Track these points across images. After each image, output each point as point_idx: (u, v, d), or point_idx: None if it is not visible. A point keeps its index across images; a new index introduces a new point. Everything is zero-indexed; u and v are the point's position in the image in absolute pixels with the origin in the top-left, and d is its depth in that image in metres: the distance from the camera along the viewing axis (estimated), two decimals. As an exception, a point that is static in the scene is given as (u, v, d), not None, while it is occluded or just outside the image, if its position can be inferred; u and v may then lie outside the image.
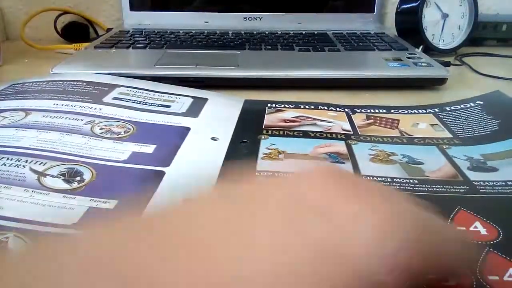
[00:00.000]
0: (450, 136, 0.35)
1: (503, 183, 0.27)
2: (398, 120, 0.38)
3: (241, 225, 0.13)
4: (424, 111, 0.41)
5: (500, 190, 0.27)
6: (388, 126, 0.37)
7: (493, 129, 0.36)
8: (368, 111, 0.40)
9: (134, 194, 0.26)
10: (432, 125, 0.38)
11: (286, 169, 0.29)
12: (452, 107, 0.41)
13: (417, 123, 0.38)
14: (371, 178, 0.28)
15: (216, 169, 0.29)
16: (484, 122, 0.37)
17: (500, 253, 0.21)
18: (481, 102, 0.41)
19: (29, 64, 0.58)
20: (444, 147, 0.33)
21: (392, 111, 0.41)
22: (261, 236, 0.12)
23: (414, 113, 0.40)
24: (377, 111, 0.40)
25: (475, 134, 0.35)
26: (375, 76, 0.48)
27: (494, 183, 0.27)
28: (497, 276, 0.19)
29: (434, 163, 0.30)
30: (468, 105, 0.41)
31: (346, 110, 0.40)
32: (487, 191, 0.27)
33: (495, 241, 0.22)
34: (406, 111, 0.41)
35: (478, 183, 0.28)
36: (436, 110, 0.41)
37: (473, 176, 0.28)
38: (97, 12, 0.75)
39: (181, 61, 0.50)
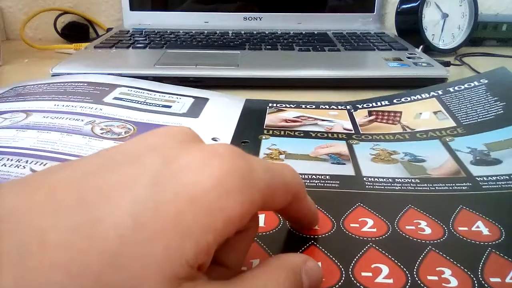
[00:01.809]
0: (454, 124, 0.35)
1: (507, 177, 0.27)
2: (401, 113, 0.38)
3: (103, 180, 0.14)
4: (427, 95, 0.40)
5: (504, 185, 0.26)
6: (390, 121, 0.37)
7: (497, 112, 0.35)
8: (370, 104, 0.40)
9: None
10: (435, 112, 0.37)
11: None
12: (456, 87, 0.40)
13: (420, 113, 0.37)
14: (372, 178, 0.28)
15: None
16: (489, 105, 0.36)
17: (502, 254, 0.21)
18: (486, 81, 0.40)
19: (29, 64, 0.58)
20: (447, 139, 0.33)
21: (394, 100, 0.40)
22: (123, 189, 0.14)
23: (417, 98, 0.40)
24: (379, 103, 0.40)
25: (479, 120, 0.35)
26: (375, 76, 0.48)
27: (498, 177, 0.27)
28: (498, 278, 0.19)
29: (436, 159, 0.30)
30: (472, 84, 0.40)
31: (348, 107, 0.40)
32: (490, 187, 0.26)
33: (497, 241, 0.22)
34: (409, 98, 0.40)
35: (481, 179, 0.27)
36: (440, 92, 0.40)
37: (476, 171, 0.28)
38: (97, 12, 0.75)
39: (181, 61, 0.50)
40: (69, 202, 0.13)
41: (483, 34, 0.69)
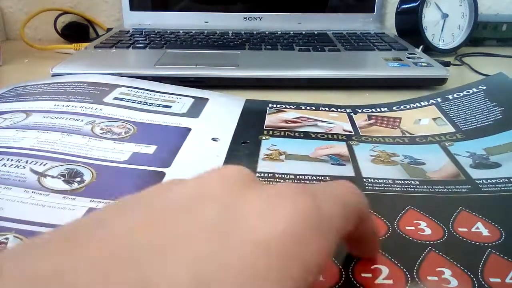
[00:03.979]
0: (453, 130, 0.35)
1: (506, 180, 0.27)
2: (400, 119, 0.38)
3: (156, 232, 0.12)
4: (427, 103, 0.41)
5: (503, 188, 0.27)
6: (390, 126, 0.37)
7: (496, 118, 0.35)
8: (370, 110, 0.40)
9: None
10: (434, 119, 0.37)
11: (286, 171, 0.29)
12: (455, 95, 0.41)
13: (419, 119, 0.38)
14: (372, 179, 0.28)
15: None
16: (487, 111, 0.37)
17: (502, 255, 0.21)
18: (484, 87, 0.40)
19: (29, 64, 0.58)
20: (447, 144, 0.33)
21: (394, 107, 0.41)
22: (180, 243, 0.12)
23: (417, 106, 0.40)
24: (378, 109, 0.40)
25: (478, 125, 0.35)
26: (375, 76, 0.48)
27: (497, 180, 0.27)
28: (498, 279, 0.19)
29: (436, 162, 0.30)
30: (471, 91, 0.40)
31: (348, 110, 0.40)
32: (489, 189, 0.27)
33: (497, 242, 0.22)
34: (408, 106, 0.41)
35: (481, 181, 0.27)
36: (439, 99, 0.41)
37: (475, 174, 0.28)
38: (97, 12, 0.75)
39: (181, 61, 0.50)
40: (118, 261, 0.11)
41: (483, 34, 0.69)
